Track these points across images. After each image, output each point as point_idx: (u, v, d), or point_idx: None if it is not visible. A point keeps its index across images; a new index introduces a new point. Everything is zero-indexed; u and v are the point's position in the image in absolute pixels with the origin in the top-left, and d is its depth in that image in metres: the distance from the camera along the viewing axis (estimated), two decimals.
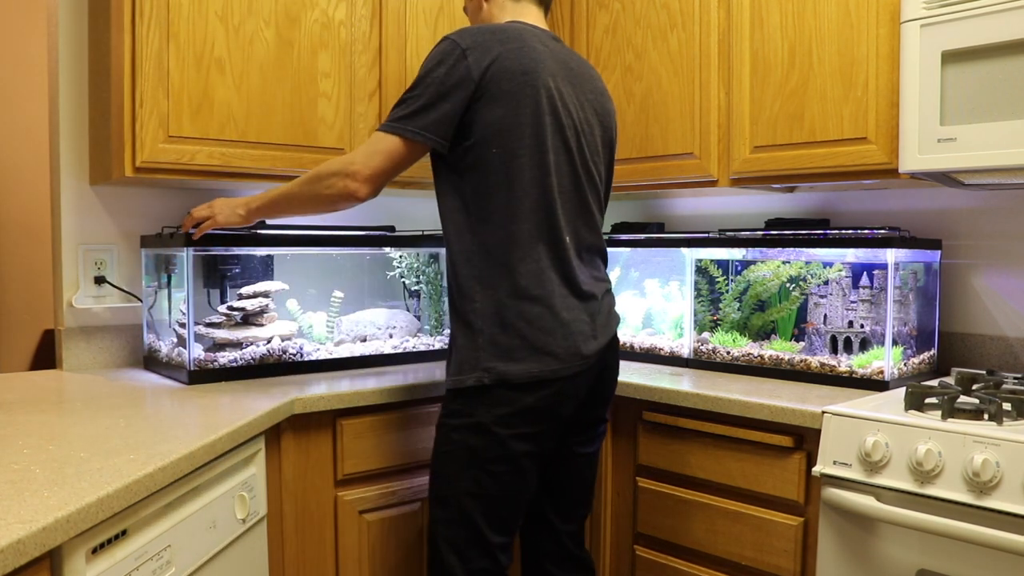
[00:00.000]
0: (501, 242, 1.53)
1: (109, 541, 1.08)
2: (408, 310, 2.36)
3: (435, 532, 1.57)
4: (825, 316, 2.03)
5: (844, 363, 1.92)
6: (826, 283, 2.03)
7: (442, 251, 2.38)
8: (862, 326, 1.96)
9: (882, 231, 1.88)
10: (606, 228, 2.62)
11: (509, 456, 1.52)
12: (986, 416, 1.50)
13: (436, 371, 2.07)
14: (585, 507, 1.76)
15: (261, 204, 1.77)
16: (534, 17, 1.71)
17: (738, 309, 2.19)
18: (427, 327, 2.36)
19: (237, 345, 1.98)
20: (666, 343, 2.28)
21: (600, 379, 1.65)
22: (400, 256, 2.34)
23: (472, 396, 1.52)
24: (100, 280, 2.12)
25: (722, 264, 2.24)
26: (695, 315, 2.24)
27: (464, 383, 1.52)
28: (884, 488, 1.49)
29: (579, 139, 1.62)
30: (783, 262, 2.11)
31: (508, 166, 1.53)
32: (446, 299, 2.38)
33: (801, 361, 1.98)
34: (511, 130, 1.52)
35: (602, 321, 1.61)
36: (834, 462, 1.56)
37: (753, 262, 2.17)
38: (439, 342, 2.31)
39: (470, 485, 1.53)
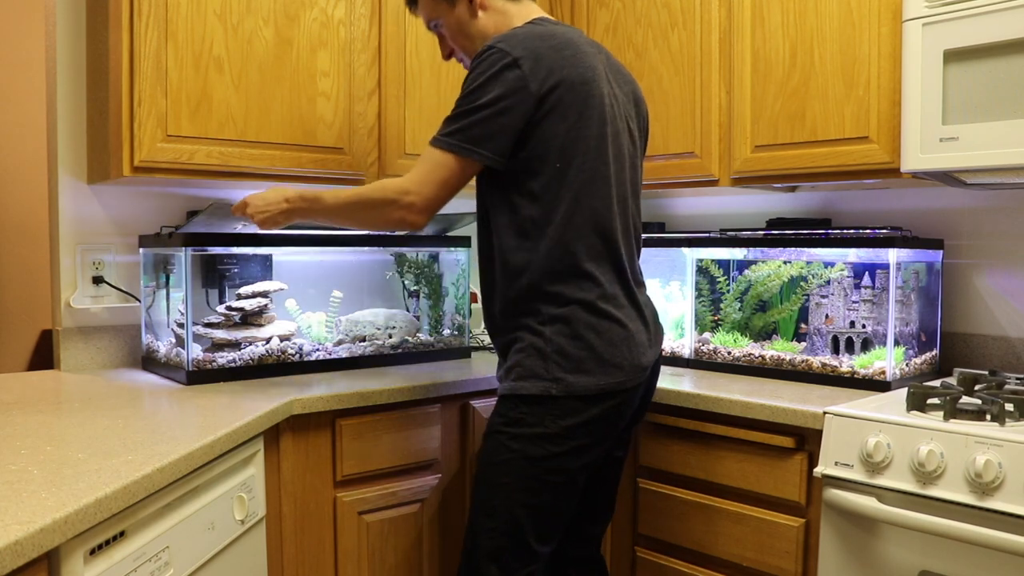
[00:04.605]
0: (566, 254, 1.49)
1: (107, 542, 1.08)
2: (407, 310, 2.36)
3: (476, 542, 1.52)
4: (827, 316, 2.02)
5: (846, 363, 1.91)
6: (828, 283, 2.02)
7: (443, 251, 2.37)
8: (864, 326, 1.95)
9: (884, 231, 1.87)
10: None
11: (569, 467, 1.50)
12: (988, 417, 1.49)
13: (436, 371, 2.06)
14: (613, 509, 1.76)
15: (308, 207, 1.64)
16: (540, 12, 1.65)
17: (739, 309, 2.19)
18: (427, 327, 2.35)
19: (236, 345, 1.97)
20: (667, 343, 2.28)
21: (648, 386, 1.65)
22: (400, 256, 2.33)
23: (536, 405, 1.47)
24: (98, 280, 2.11)
25: (723, 264, 2.23)
26: (696, 315, 2.24)
27: (527, 390, 1.48)
28: (886, 489, 1.48)
29: (631, 139, 1.61)
30: (784, 262, 2.10)
31: (571, 179, 1.49)
32: (448, 301, 2.38)
33: (803, 361, 1.98)
34: (575, 144, 1.49)
35: (654, 329, 1.61)
36: (836, 463, 1.56)
37: (754, 262, 2.16)
38: (439, 342, 2.30)
39: (525, 496, 1.49)
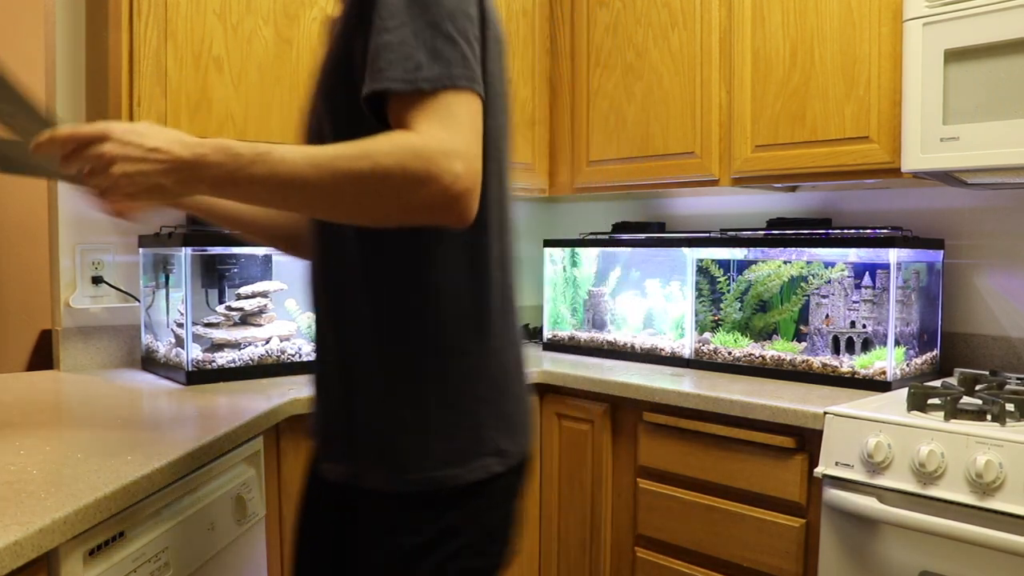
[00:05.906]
0: (491, 266, 1.02)
1: (106, 543, 1.07)
2: None
3: None
4: (827, 316, 2.02)
5: (846, 364, 1.91)
6: (828, 283, 2.02)
7: None
8: (864, 326, 1.95)
9: (884, 231, 1.87)
10: (606, 227, 2.61)
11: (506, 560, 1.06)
12: (989, 417, 1.49)
13: None
14: None
15: (236, 170, 0.92)
16: None
17: (739, 309, 2.19)
18: None
19: (235, 345, 1.97)
20: (667, 343, 2.28)
21: None
22: None
23: (471, 497, 0.99)
24: (97, 280, 2.11)
25: (723, 264, 2.23)
26: (696, 315, 2.24)
27: (459, 479, 0.97)
28: (886, 489, 1.48)
29: None
30: (784, 262, 2.10)
31: (501, 152, 1.03)
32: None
33: (803, 362, 1.98)
34: (494, 101, 0.99)
35: None
36: (836, 463, 1.55)
37: (754, 262, 2.16)
38: None
39: None
